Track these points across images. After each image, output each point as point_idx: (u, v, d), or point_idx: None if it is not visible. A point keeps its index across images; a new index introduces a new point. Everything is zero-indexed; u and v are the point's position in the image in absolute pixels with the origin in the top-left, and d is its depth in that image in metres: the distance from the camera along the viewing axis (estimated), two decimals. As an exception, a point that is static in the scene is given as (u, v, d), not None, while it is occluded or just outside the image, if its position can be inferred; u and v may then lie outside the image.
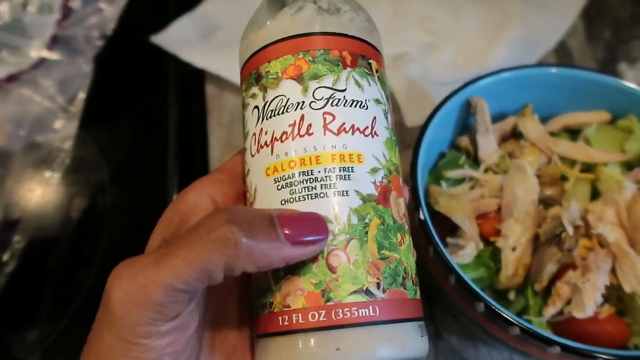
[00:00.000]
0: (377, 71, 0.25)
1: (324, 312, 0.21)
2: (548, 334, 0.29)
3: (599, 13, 0.60)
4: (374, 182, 0.23)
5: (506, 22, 0.56)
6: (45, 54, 0.53)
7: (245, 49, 0.26)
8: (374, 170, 0.23)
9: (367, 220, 0.22)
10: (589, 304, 0.31)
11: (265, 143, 0.24)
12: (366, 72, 0.25)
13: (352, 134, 0.23)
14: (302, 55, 0.24)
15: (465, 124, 0.40)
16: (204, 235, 0.19)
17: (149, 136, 0.53)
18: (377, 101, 0.25)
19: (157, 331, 0.20)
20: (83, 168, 0.49)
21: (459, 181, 0.38)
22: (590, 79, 0.39)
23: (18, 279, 0.43)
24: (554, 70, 0.40)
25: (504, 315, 0.29)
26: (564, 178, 0.37)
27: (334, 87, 0.23)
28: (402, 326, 0.22)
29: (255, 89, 0.25)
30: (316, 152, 0.22)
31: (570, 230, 0.33)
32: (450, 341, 0.39)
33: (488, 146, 0.39)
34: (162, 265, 0.19)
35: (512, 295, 0.35)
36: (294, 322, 0.21)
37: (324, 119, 0.23)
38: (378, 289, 0.22)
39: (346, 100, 0.23)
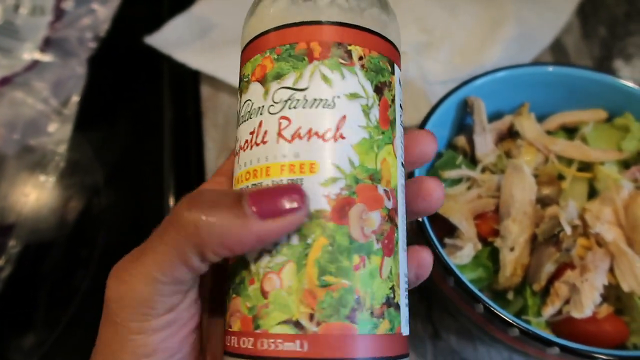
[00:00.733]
0: (361, 58, 0.21)
1: (252, 339, 0.19)
2: (547, 334, 0.29)
3: (594, 10, 0.60)
4: (328, 196, 0.20)
5: (502, 20, 0.56)
6: (38, 56, 0.52)
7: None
8: (331, 181, 0.20)
9: (309, 241, 0.20)
10: (587, 303, 0.31)
11: (235, 151, 0.22)
12: (340, 63, 0.21)
13: (308, 139, 0.20)
14: (268, 54, 0.21)
15: (462, 124, 0.40)
16: (168, 226, 0.19)
17: (144, 138, 0.52)
18: (353, 95, 0.21)
19: (149, 327, 0.20)
20: (78, 171, 0.49)
21: (457, 181, 0.38)
22: (586, 77, 0.39)
23: (14, 284, 0.43)
24: (550, 69, 0.40)
25: (503, 316, 0.29)
26: (561, 177, 0.37)
27: (294, 87, 0.21)
28: None
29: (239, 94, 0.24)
30: (267, 163, 0.21)
31: (568, 230, 0.33)
32: (449, 341, 0.39)
33: (485, 146, 0.39)
34: (141, 261, 0.20)
35: (510, 296, 0.35)
36: (230, 344, 0.20)
37: (279, 124, 0.21)
38: (311, 321, 0.19)
39: (306, 101, 0.21)
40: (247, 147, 0.21)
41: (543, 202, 0.35)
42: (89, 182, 0.49)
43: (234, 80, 0.52)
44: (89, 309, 0.42)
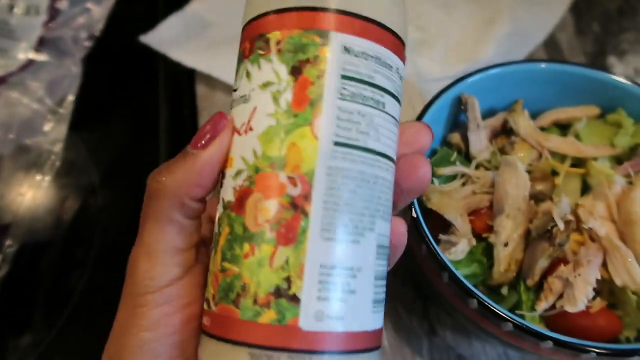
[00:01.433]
0: (278, 43, 0.21)
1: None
2: (541, 329, 0.29)
3: (587, 6, 0.60)
4: (234, 187, 0.21)
5: (495, 17, 0.56)
6: (33, 55, 0.52)
7: None
8: (237, 174, 0.21)
9: (219, 230, 0.22)
10: (580, 298, 0.31)
11: None
12: (259, 55, 0.22)
13: (232, 136, 0.22)
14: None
15: (456, 121, 0.41)
16: (146, 202, 0.23)
17: (140, 137, 0.52)
18: (265, 84, 0.21)
19: (152, 299, 0.22)
20: (73, 170, 0.49)
21: (451, 178, 0.38)
22: (579, 73, 0.40)
23: (10, 284, 0.43)
24: (543, 65, 0.40)
25: (497, 311, 0.29)
26: (554, 173, 0.37)
27: (233, 88, 0.23)
28: (228, 347, 0.20)
29: None
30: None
31: (561, 225, 0.33)
32: (444, 337, 0.40)
33: (479, 142, 0.39)
34: (140, 240, 0.23)
35: (504, 291, 0.35)
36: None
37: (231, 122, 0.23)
38: (212, 300, 0.21)
39: (235, 100, 0.23)
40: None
41: (537, 198, 0.36)
42: (85, 182, 0.49)
43: (230, 79, 0.52)
44: (85, 309, 0.43)
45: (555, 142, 0.38)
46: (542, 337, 0.28)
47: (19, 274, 0.44)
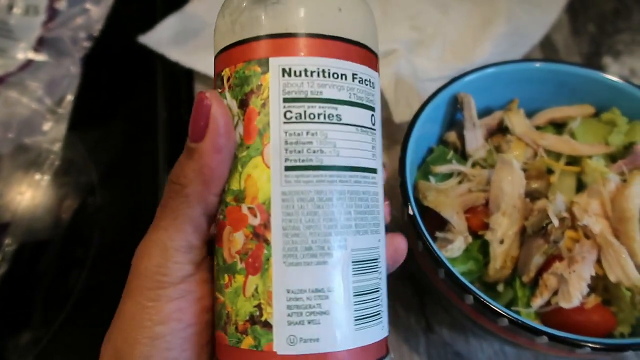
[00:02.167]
0: (229, 79, 0.22)
1: None
2: (536, 324, 0.29)
3: (583, 7, 0.61)
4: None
5: (492, 17, 0.56)
6: (32, 55, 0.53)
7: None
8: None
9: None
10: (575, 294, 0.32)
11: None
12: (219, 92, 0.22)
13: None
14: None
15: (453, 120, 0.41)
16: (165, 202, 0.23)
17: (139, 137, 0.52)
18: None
19: (164, 294, 0.22)
20: (72, 170, 0.49)
21: (447, 176, 0.38)
22: (574, 73, 0.40)
23: (10, 283, 0.43)
24: (538, 65, 0.40)
25: (493, 307, 0.29)
26: (549, 171, 0.38)
27: None
28: None
29: None
30: None
31: (556, 223, 0.33)
32: (441, 334, 0.40)
33: (475, 141, 0.39)
34: (154, 234, 0.23)
35: (500, 288, 0.35)
36: None
37: None
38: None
39: None
40: None
41: (532, 195, 0.36)
42: (84, 181, 0.49)
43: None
44: (84, 308, 0.43)
45: (551, 140, 0.38)
46: (537, 332, 0.29)
47: (18, 273, 0.44)
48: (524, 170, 0.37)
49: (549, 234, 0.33)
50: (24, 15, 0.53)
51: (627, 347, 0.29)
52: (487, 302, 0.30)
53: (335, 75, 0.21)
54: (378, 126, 0.23)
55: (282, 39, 0.21)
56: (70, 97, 0.52)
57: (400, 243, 0.25)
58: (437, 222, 0.36)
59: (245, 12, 0.22)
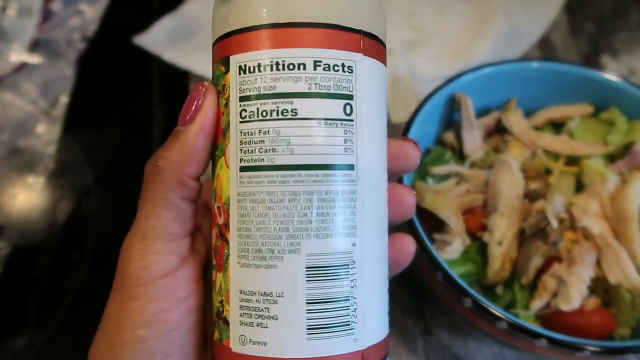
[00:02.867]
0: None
1: None
2: (535, 327, 0.29)
3: (581, 6, 0.60)
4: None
5: (490, 16, 0.56)
6: (26, 57, 0.52)
7: None
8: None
9: None
10: (574, 296, 0.31)
11: None
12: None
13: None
14: None
15: (450, 120, 0.41)
16: (144, 187, 0.22)
17: (134, 138, 0.52)
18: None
19: (146, 292, 0.21)
20: (67, 172, 0.49)
21: (445, 177, 0.38)
22: (572, 72, 0.40)
23: (4, 286, 0.43)
24: (536, 64, 0.40)
25: (492, 310, 0.29)
26: (548, 171, 0.37)
27: None
28: None
29: None
30: None
31: (554, 224, 0.33)
32: (439, 337, 0.39)
33: (473, 141, 0.39)
34: (136, 225, 0.22)
35: (499, 290, 0.35)
36: None
37: None
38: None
39: None
40: None
41: (530, 196, 0.36)
42: (79, 184, 0.49)
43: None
44: (79, 311, 0.42)
45: (549, 140, 0.38)
46: (537, 336, 0.28)
47: (12, 276, 0.43)
48: (522, 170, 0.36)
49: (548, 235, 0.33)
50: (17, 17, 0.53)
51: (627, 350, 0.28)
52: (486, 305, 0.29)
53: (291, 67, 0.20)
54: (360, 115, 0.21)
55: (240, 35, 0.20)
56: (64, 99, 0.51)
57: (408, 246, 0.24)
58: (435, 224, 0.35)
59: (217, 11, 0.22)
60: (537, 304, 0.33)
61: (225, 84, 0.21)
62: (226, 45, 0.21)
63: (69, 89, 0.52)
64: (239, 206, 0.20)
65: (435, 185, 0.37)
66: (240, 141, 0.20)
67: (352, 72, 0.20)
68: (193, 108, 0.21)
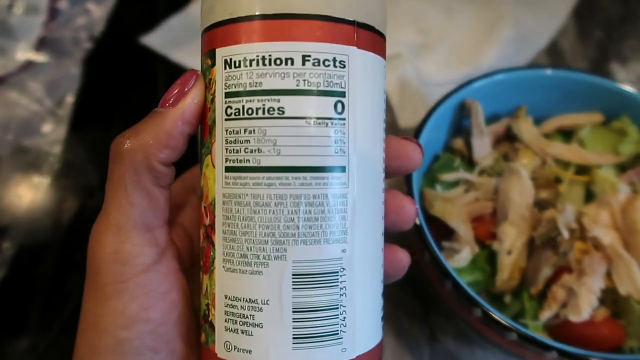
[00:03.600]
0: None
1: None
2: (545, 339, 0.29)
3: (589, 13, 0.60)
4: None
5: (498, 21, 0.56)
6: (33, 56, 0.52)
7: None
8: None
9: None
10: (584, 307, 0.31)
11: None
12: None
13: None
14: None
15: (460, 126, 0.40)
16: (111, 168, 0.20)
17: (140, 139, 0.52)
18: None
19: (126, 289, 0.19)
20: (72, 172, 0.49)
21: (454, 184, 0.38)
22: (583, 80, 0.39)
23: (8, 286, 0.43)
24: (548, 72, 0.40)
25: (501, 320, 0.29)
26: (558, 180, 0.37)
27: None
28: None
29: None
30: None
31: (565, 234, 0.33)
32: (446, 344, 0.39)
33: (482, 148, 0.39)
34: (105, 213, 0.20)
35: (508, 299, 0.35)
36: None
37: None
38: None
39: None
40: None
41: (540, 205, 0.36)
42: (84, 183, 0.48)
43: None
44: (83, 312, 0.42)
45: (559, 149, 0.38)
46: (547, 348, 0.28)
47: (16, 276, 0.43)
48: (532, 179, 0.36)
49: (558, 245, 0.33)
50: (24, 15, 0.53)
51: (637, 363, 0.28)
52: (495, 315, 0.29)
53: (278, 62, 0.18)
54: (353, 113, 0.19)
55: (226, 26, 0.19)
56: (70, 99, 0.51)
57: (402, 259, 0.23)
58: (444, 232, 0.35)
59: (204, 0, 0.21)
60: (546, 315, 0.32)
61: (211, 78, 0.20)
62: (212, 36, 0.20)
63: (75, 89, 0.51)
64: (224, 208, 0.19)
65: (444, 193, 0.37)
66: (226, 140, 0.19)
67: (344, 67, 0.19)
68: (177, 91, 0.20)
